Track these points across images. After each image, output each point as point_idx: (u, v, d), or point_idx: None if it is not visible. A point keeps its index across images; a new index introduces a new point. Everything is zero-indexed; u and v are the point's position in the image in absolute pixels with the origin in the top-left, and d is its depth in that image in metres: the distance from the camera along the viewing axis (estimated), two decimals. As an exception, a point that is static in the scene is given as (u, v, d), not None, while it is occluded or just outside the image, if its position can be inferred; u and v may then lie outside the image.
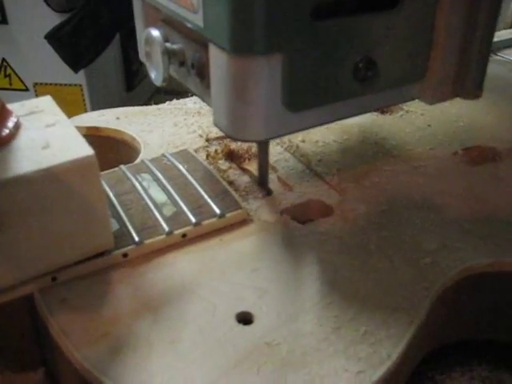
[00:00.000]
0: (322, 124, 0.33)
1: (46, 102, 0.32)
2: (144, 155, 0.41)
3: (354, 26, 0.30)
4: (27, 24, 1.26)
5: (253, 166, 0.40)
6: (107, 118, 0.46)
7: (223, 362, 0.26)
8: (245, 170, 0.40)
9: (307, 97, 0.30)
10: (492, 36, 0.34)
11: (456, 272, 0.32)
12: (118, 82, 1.42)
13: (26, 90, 1.32)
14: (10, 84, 1.31)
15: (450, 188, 0.38)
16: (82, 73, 1.21)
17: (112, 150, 0.44)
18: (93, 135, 0.44)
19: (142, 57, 0.36)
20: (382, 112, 0.48)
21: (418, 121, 0.46)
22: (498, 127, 0.46)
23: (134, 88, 1.43)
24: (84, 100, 1.33)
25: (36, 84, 1.33)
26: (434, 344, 0.35)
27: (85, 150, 0.28)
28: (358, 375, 0.26)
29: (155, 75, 0.33)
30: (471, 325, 0.35)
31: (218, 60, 0.29)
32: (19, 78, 1.33)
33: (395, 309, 0.30)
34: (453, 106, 0.49)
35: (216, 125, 0.31)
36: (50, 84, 1.33)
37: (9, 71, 1.30)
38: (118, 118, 0.46)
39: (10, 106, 0.31)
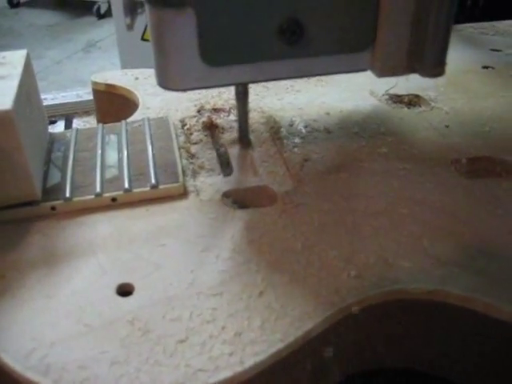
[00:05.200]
0: (246, 82, 0.34)
1: (18, 56, 0.35)
2: (137, 117, 0.42)
3: None
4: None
5: (227, 140, 0.39)
6: (128, 78, 0.47)
7: (80, 326, 0.27)
8: (220, 145, 0.39)
9: (226, 53, 0.31)
10: (454, 5, 0.29)
11: (380, 292, 0.29)
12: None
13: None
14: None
15: (424, 198, 0.33)
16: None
17: (123, 107, 0.46)
18: (110, 92, 0.46)
19: None
20: (401, 103, 0.43)
21: (436, 119, 0.40)
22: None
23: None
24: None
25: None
26: (349, 369, 0.31)
27: (5, 104, 0.29)
28: (195, 374, 0.25)
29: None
30: (403, 354, 0.31)
31: (147, 13, 0.31)
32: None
33: (283, 315, 0.28)
34: (489, 108, 0.42)
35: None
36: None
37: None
38: (136, 79, 0.47)
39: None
